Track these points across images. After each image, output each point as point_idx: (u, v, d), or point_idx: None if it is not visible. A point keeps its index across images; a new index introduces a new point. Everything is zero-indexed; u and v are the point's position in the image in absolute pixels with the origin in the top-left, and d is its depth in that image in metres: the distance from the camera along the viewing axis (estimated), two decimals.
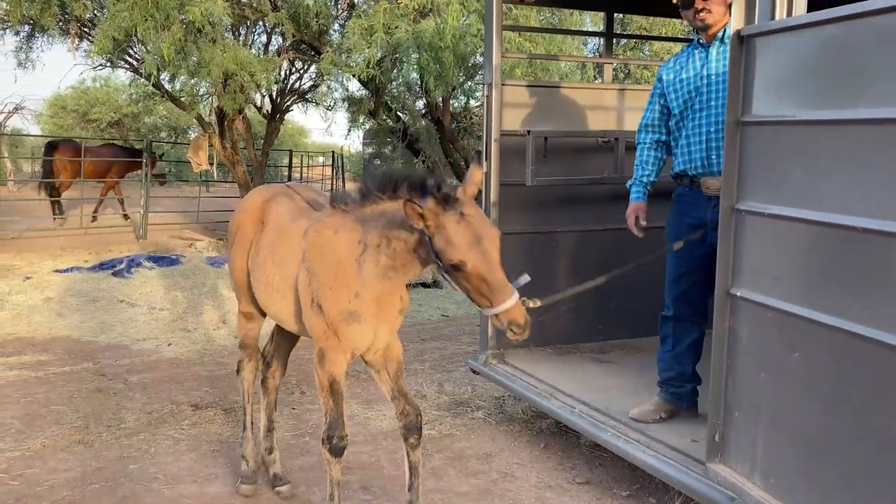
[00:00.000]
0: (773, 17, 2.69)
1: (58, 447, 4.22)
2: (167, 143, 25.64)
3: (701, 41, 3.62)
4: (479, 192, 2.87)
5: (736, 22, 2.74)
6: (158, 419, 4.69)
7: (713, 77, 3.52)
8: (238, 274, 3.57)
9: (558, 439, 4.45)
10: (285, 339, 3.84)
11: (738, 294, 2.79)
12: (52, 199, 13.78)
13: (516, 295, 2.54)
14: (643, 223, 3.83)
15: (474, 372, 4.83)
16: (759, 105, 2.71)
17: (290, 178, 18.17)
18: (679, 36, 11.18)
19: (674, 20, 11.51)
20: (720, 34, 3.51)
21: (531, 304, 2.91)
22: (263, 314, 3.63)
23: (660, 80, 3.80)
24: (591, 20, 12.14)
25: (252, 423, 3.77)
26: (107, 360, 6.02)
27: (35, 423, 4.59)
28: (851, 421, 2.37)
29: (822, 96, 2.49)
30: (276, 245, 3.26)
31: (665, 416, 3.71)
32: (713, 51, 3.54)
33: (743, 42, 2.73)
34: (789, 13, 2.67)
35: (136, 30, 8.00)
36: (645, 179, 3.87)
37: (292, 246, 3.13)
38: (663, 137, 3.83)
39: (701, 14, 3.49)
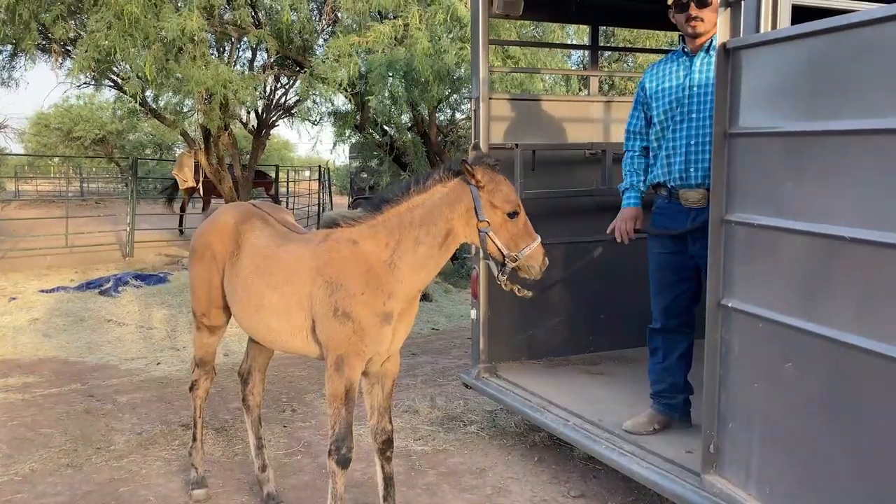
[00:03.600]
0: (758, 30, 2.72)
1: (46, 471, 4.17)
2: (152, 159, 25.59)
3: (686, 50, 3.62)
4: None
5: (721, 35, 2.77)
6: (149, 440, 4.65)
7: (695, 88, 3.52)
8: (209, 291, 3.66)
9: (552, 452, 4.45)
10: (261, 357, 3.95)
11: (730, 305, 2.80)
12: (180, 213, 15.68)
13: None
14: (632, 236, 3.81)
15: (467, 386, 4.82)
16: (745, 117, 2.73)
17: (277, 192, 18.13)
18: (663, 48, 11.30)
19: (657, 32, 11.63)
20: (706, 45, 3.51)
21: (526, 293, 3.32)
22: (225, 328, 3.84)
23: (642, 87, 3.79)
24: (575, 33, 12.23)
25: (202, 435, 3.99)
26: (95, 380, 5.97)
27: (23, 446, 4.53)
28: (845, 430, 2.38)
29: (807, 108, 2.52)
30: (266, 269, 3.35)
31: (658, 428, 3.71)
32: (697, 61, 3.54)
33: (729, 55, 2.75)
34: (774, 26, 2.70)
35: (115, 50, 7.97)
36: (642, 187, 3.84)
37: (293, 268, 3.25)
38: (651, 145, 3.84)
39: (693, 22, 3.48)
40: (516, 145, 4.53)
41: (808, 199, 2.47)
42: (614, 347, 5.14)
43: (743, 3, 2.73)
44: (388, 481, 3.43)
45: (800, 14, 2.73)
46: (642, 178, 3.84)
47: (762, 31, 2.70)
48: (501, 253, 3.05)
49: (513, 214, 3.04)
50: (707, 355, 2.92)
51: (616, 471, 3.63)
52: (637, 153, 3.85)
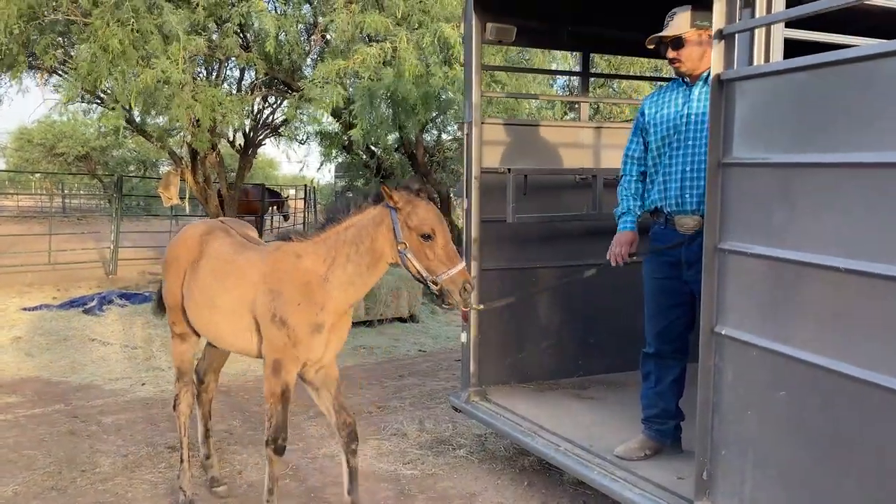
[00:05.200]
0: (751, 63, 2.78)
1: (30, 494, 4.11)
2: (136, 177, 25.45)
3: (685, 80, 3.68)
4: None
5: (715, 66, 2.81)
6: (135, 462, 4.59)
7: (693, 116, 3.57)
8: (174, 299, 3.91)
9: (541, 477, 4.44)
10: (217, 359, 4.25)
11: (723, 332, 2.83)
12: None
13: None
14: (627, 260, 3.82)
15: (456, 410, 4.81)
16: (739, 147, 2.78)
17: (263, 212, 18.09)
18: (651, 74, 11.45)
19: (640, 59, 11.78)
20: (704, 75, 3.54)
21: (479, 307, 3.70)
22: (197, 335, 3.98)
23: (642, 113, 3.83)
24: (561, 58, 12.35)
25: (189, 456, 4.04)
26: (79, 400, 5.90)
27: (5, 468, 4.46)
28: (839, 459, 2.41)
29: (799, 140, 2.57)
30: (222, 273, 3.65)
31: (650, 454, 3.72)
32: (696, 90, 3.60)
33: (723, 86, 2.80)
34: (767, 59, 2.76)
35: (101, 81, 7.99)
36: (638, 211, 3.86)
37: (244, 273, 3.54)
38: (649, 170, 3.88)
39: (674, 63, 3.60)
40: (509, 170, 4.57)
41: (801, 230, 2.51)
42: (603, 371, 5.16)
43: (737, 36, 2.79)
44: (353, 474, 3.65)
45: (792, 48, 2.80)
46: (639, 203, 3.87)
47: (755, 63, 2.76)
48: (421, 274, 3.24)
49: (427, 237, 3.19)
50: (700, 382, 2.94)
51: (606, 496, 3.63)
52: (634, 178, 3.88)
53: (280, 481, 3.71)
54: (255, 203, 17.79)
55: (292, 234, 3.60)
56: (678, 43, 3.52)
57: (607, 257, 3.83)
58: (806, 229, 2.49)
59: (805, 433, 2.52)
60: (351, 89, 9.02)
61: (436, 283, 3.21)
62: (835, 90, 2.44)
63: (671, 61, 3.60)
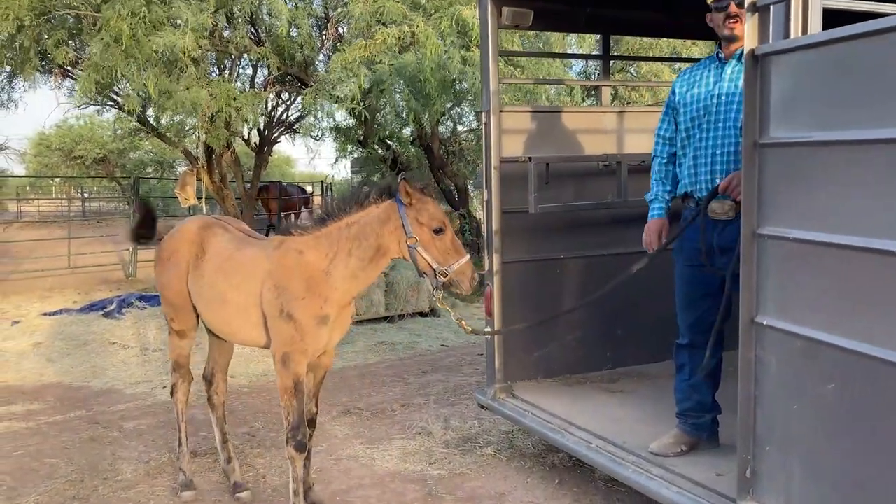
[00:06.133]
0: (787, 36, 2.61)
1: (53, 503, 4.04)
2: (154, 178, 25.52)
3: (720, 55, 3.50)
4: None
5: (750, 41, 2.65)
6: (156, 468, 4.51)
7: (724, 97, 3.41)
8: (174, 294, 3.96)
9: (572, 474, 4.31)
10: (222, 358, 4.27)
11: (765, 322, 2.68)
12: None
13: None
14: (664, 241, 3.69)
15: (482, 407, 4.68)
16: (777, 126, 2.62)
17: (280, 212, 18.05)
18: (672, 56, 11.22)
19: (660, 41, 11.56)
20: (738, 52, 3.36)
21: (466, 328, 3.71)
22: (195, 331, 4.10)
23: (673, 92, 3.68)
24: (577, 43, 12.15)
25: (186, 439, 4.19)
26: (100, 406, 5.84)
27: (27, 477, 4.40)
28: (894, 456, 2.25)
29: (843, 116, 2.40)
30: (227, 269, 3.72)
31: (686, 449, 3.58)
32: (728, 69, 3.43)
33: (758, 62, 2.64)
34: (804, 31, 2.59)
35: (117, 71, 7.90)
36: (667, 196, 3.74)
37: (250, 269, 3.62)
38: (678, 151, 3.72)
39: (732, 21, 3.34)
40: (529, 158, 4.42)
41: (850, 212, 2.35)
42: (633, 364, 5.01)
43: (772, 7, 2.62)
44: (308, 456, 3.74)
45: (831, 18, 2.62)
46: (668, 188, 3.73)
47: (792, 36, 2.60)
48: (431, 267, 3.34)
49: (439, 231, 3.34)
50: (741, 374, 2.79)
51: (640, 493, 3.49)
52: (665, 159, 3.74)
53: (306, 483, 3.66)
54: (292, 201, 18.66)
55: (293, 229, 3.66)
56: (744, 2, 3.32)
57: (643, 246, 3.71)
58: (854, 210, 2.33)
59: (858, 429, 2.36)
60: (370, 76, 8.85)
61: (445, 275, 3.32)
62: (880, 60, 2.27)
63: (729, 17, 3.33)
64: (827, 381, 2.46)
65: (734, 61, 3.42)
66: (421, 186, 3.41)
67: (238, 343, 4.00)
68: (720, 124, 3.42)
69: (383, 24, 8.82)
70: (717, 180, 3.42)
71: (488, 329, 4.61)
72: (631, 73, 13.32)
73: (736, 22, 3.33)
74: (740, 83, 3.29)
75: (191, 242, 3.88)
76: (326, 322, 3.47)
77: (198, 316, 3.99)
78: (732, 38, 3.40)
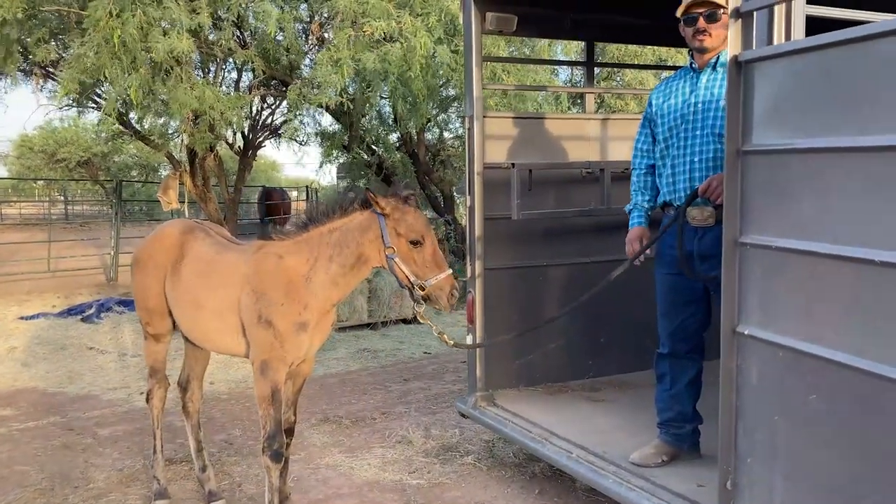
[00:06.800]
0: (770, 42, 2.58)
1: None
2: (137, 181, 25.31)
3: (694, 66, 3.50)
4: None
5: (733, 47, 2.62)
6: (130, 476, 4.43)
7: (700, 105, 3.40)
8: (151, 299, 3.88)
9: (552, 484, 4.26)
10: (198, 366, 4.20)
11: (746, 332, 2.64)
12: None
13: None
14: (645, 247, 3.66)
15: (463, 415, 4.62)
16: (760, 133, 2.59)
17: (262, 216, 17.95)
18: (657, 63, 11.24)
19: (645, 49, 11.59)
20: (713, 61, 3.39)
21: (447, 340, 3.62)
22: (170, 335, 4.03)
23: (650, 104, 3.67)
24: (562, 50, 12.15)
25: (162, 447, 4.10)
26: (75, 412, 5.73)
27: None
28: (878, 469, 2.21)
29: (827, 123, 2.37)
30: (207, 273, 3.65)
31: (667, 460, 3.54)
32: (703, 78, 3.42)
33: (741, 68, 2.61)
34: (787, 38, 2.57)
35: (103, 72, 7.78)
36: (646, 205, 3.73)
37: (228, 274, 3.55)
38: (657, 162, 3.70)
39: (701, 36, 3.35)
40: (513, 164, 4.38)
41: (834, 221, 2.32)
42: (615, 372, 4.97)
43: (755, 14, 2.59)
44: (285, 465, 3.71)
45: (814, 26, 2.60)
46: (648, 197, 3.72)
47: (775, 43, 2.57)
48: (409, 279, 3.27)
49: (416, 243, 3.25)
50: (722, 385, 2.75)
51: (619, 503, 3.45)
52: (643, 171, 3.72)
53: (282, 493, 3.61)
54: (286, 204, 19.13)
55: (273, 233, 3.61)
56: (713, 17, 3.31)
57: (627, 255, 3.69)
58: (840, 219, 2.30)
59: (842, 441, 2.32)
60: (356, 68, 8.73)
61: (423, 288, 3.24)
62: (865, 68, 2.24)
63: (697, 33, 3.35)
64: (809, 391, 2.42)
65: (709, 70, 3.41)
66: (404, 195, 3.31)
67: (213, 350, 3.93)
68: (697, 132, 3.41)
69: (370, 18, 8.76)
70: (697, 187, 3.39)
71: (470, 339, 4.55)
72: (617, 81, 13.34)
73: (705, 35, 3.35)
74: (716, 91, 3.32)
75: (171, 246, 3.82)
76: (306, 329, 3.40)
77: (174, 321, 3.92)
78: (702, 50, 3.41)
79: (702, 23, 3.33)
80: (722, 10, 3.25)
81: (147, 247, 3.96)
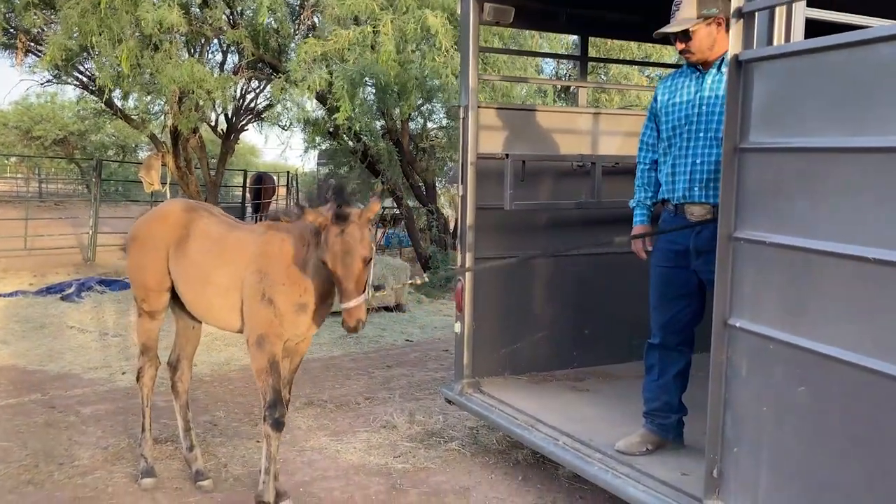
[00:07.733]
0: (770, 43, 2.64)
1: (5, 489, 3.92)
2: (115, 161, 24.99)
3: (698, 67, 3.53)
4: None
5: (734, 47, 2.68)
6: (115, 455, 4.42)
7: (704, 107, 3.42)
8: (149, 276, 3.91)
9: (536, 470, 4.32)
10: (188, 346, 4.23)
11: (738, 325, 2.71)
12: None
13: (361, 299, 3.22)
14: (649, 248, 3.73)
15: (449, 402, 4.67)
16: (757, 131, 2.65)
17: (244, 199, 17.83)
18: (648, 60, 11.32)
19: (630, 44, 11.66)
20: (717, 62, 3.41)
21: (379, 293, 3.66)
22: (164, 313, 4.05)
23: (655, 99, 3.71)
24: (548, 44, 12.18)
25: (150, 425, 4.14)
26: (56, 390, 5.70)
27: None
28: (862, 459, 2.30)
29: (824, 123, 2.44)
30: (215, 251, 3.72)
31: (651, 448, 3.61)
32: (708, 78, 3.44)
33: (741, 67, 2.67)
34: (787, 39, 2.63)
35: (90, 41, 7.69)
36: (648, 202, 3.77)
37: (238, 252, 3.64)
38: (659, 158, 3.75)
39: (684, 54, 3.46)
40: (507, 155, 4.42)
41: (827, 218, 2.39)
42: (599, 363, 5.04)
43: (757, 14, 2.65)
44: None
45: (813, 29, 2.67)
46: (651, 194, 3.77)
47: (776, 43, 2.63)
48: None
49: (324, 264, 3.25)
50: (712, 376, 2.82)
51: (603, 490, 3.52)
52: (647, 166, 3.76)
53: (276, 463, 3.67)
54: (274, 189, 19.38)
55: (282, 215, 3.68)
56: (686, 34, 3.38)
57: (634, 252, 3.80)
58: (831, 217, 2.37)
59: (826, 432, 2.40)
60: (334, 70, 8.78)
61: (341, 302, 3.26)
62: (860, 71, 2.31)
63: (681, 52, 3.46)
64: (798, 383, 2.50)
65: (714, 70, 3.44)
66: (345, 213, 3.19)
67: (213, 324, 3.96)
68: (700, 135, 3.44)
69: (355, 17, 8.75)
70: (696, 190, 3.45)
71: (458, 327, 4.59)
72: (600, 76, 13.41)
73: (687, 53, 3.44)
74: (720, 93, 3.34)
75: (174, 224, 3.87)
76: (306, 310, 3.49)
77: (170, 298, 3.97)
78: (690, 64, 3.50)
79: (679, 44, 3.43)
80: (692, 28, 3.33)
81: (147, 225, 4.00)
